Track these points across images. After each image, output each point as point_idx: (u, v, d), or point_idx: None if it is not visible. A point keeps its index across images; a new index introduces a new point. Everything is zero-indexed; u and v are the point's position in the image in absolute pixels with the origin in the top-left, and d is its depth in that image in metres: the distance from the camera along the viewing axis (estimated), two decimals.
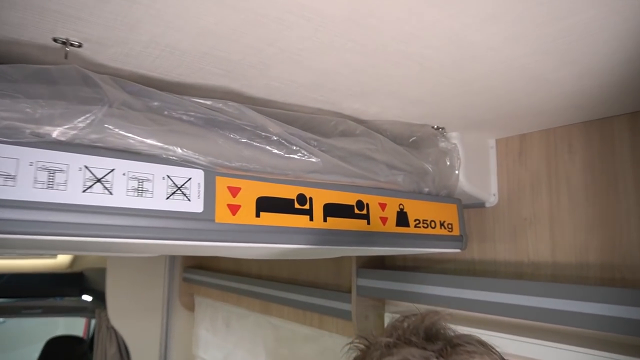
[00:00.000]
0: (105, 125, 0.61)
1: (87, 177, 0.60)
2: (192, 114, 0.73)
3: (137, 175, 0.64)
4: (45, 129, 0.58)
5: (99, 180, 0.61)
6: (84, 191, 0.59)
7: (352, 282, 1.44)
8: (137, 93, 0.71)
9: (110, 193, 0.61)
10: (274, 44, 0.67)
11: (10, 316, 3.01)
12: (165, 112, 0.72)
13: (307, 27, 0.62)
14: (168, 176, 0.67)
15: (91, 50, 0.69)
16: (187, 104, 0.73)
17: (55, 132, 0.59)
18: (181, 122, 0.71)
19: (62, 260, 2.95)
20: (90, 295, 2.78)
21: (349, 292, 1.48)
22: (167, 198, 0.66)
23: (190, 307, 2.63)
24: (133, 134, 0.64)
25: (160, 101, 0.72)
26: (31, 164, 0.56)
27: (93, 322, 4.82)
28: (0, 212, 0.53)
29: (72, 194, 0.58)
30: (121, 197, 0.62)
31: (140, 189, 0.64)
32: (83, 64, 0.70)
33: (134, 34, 0.64)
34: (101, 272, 2.67)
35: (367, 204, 0.90)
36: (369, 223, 0.90)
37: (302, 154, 0.78)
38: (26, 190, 0.55)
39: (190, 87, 0.82)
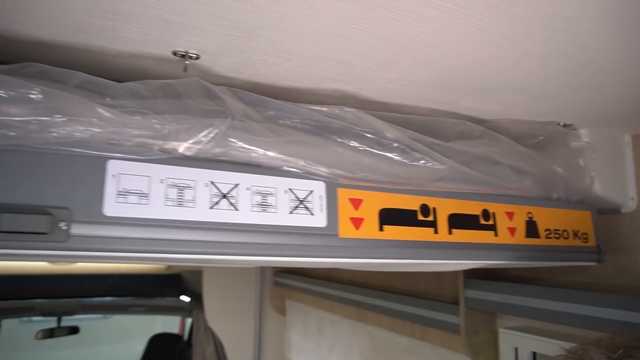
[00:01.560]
0: (229, 139, 0.59)
1: (213, 192, 0.58)
2: (308, 121, 0.69)
3: (260, 189, 0.61)
4: (173, 144, 0.57)
5: (224, 196, 0.59)
6: (211, 207, 0.57)
7: (459, 293, 1.34)
8: (252, 103, 0.68)
9: (236, 209, 0.59)
10: (399, 42, 0.61)
11: (118, 313, 3.25)
12: (281, 121, 0.69)
13: (441, 19, 0.55)
14: (290, 189, 0.63)
15: (208, 62, 0.68)
16: (302, 111, 0.69)
17: (182, 148, 0.57)
18: (298, 131, 0.67)
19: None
20: (187, 296, 2.91)
21: (453, 303, 1.38)
22: (291, 212, 0.62)
23: (282, 311, 2.65)
24: (255, 147, 0.61)
25: (275, 110, 0.69)
26: (162, 181, 0.55)
27: (188, 320, 5.09)
28: (138, 231, 0.53)
29: (201, 211, 0.57)
30: (246, 213, 0.59)
31: (264, 203, 0.61)
32: (200, 75, 0.69)
33: (252, 42, 0.62)
34: (197, 274, 2.78)
35: (494, 214, 0.81)
36: (496, 235, 0.81)
37: (426, 160, 0.72)
38: (159, 208, 0.54)
39: (302, 92, 0.78)
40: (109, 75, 0.61)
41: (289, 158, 0.63)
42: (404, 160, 0.70)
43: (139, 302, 3.07)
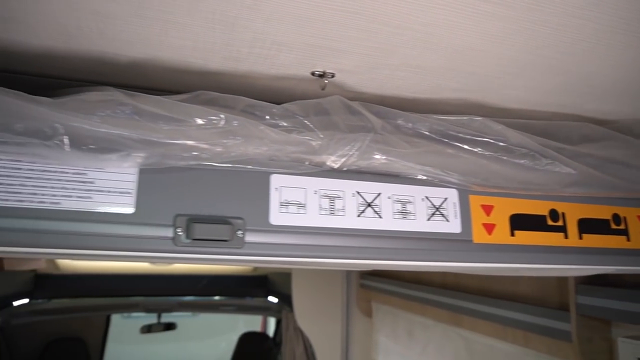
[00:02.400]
0: (372, 151, 0.63)
1: (359, 202, 0.63)
2: (437, 131, 0.72)
3: (400, 198, 0.65)
4: (323, 158, 0.62)
5: (369, 205, 0.63)
6: (358, 216, 0.62)
7: (569, 299, 1.29)
8: (382, 115, 0.72)
9: (380, 217, 0.63)
10: (537, 52, 0.62)
11: (210, 311, 3.45)
12: (411, 132, 0.72)
13: (585, 27, 0.55)
14: (427, 197, 0.66)
15: (341, 79, 0.73)
16: (431, 121, 0.72)
17: (331, 161, 0.63)
18: (430, 141, 0.70)
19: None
20: (275, 296, 3.03)
21: (560, 308, 1.33)
22: (428, 219, 0.65)
23: (368, 313, 2.68)
24: (395, 158, 0.65)
25: (405, 121, 0.72)
26: (315, 192, 0.61)
27: (271, 320, 5.27)
28: (298, 238, 0.58)
29: (350, 219, 0.61)
30: (389, 220, 0.63)
31: (404, 211, 0.64)
32: (334, 92, 0.74)
33: (389, 60, 0.66)
34: (284, 275, 2.89)
35: (625, 218, 0.79)
36: (628, 239, 0.78)
37: (556, 166, 0.72)
38: (315, 217, 0.60)
39: (424, 102, 0.81)
40: (252, 95, 0.68)
41: (425, 167, 0.66)
42: (535, 167, 0.71)
43: (230, 302, 3.23)
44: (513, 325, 1.53)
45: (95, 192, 0.53)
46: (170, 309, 3.20)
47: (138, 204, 0.54)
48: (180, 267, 3.16)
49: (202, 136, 0.53)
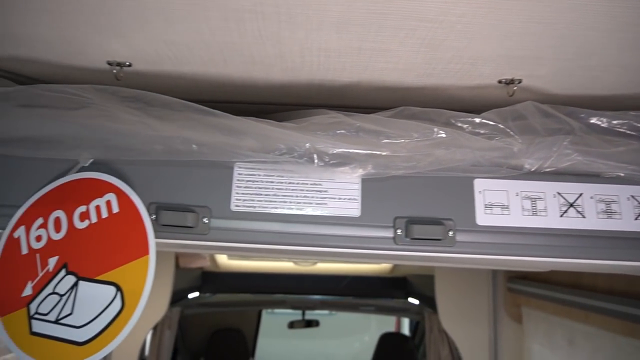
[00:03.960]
0: (571, 153, 0.65)
1: (561, 202, 0.65)
2: (636, 127, 0.70)
3: (603, 197, 0.65)
4: (521, 161, 0.66)
5: (571, 205, 0.65)
6: (561, 216, 0.64)
7: None
8: (575, 115, 0.72)
9: (583, 216, 0.64)
10: None
11: (350, 311, 3.59)
12: (607, 130, 0.71)
13: None
14: (632, 196, 0.65)
15: (529, 83, 0.74)
16: (629, 117, 0.71)
17: (528, 164, 0.66)
18: (629, 138, 0.69)
19: (385, 265, 3.35)
20: (415, 298, 3.05)
21: None
22: (636, 219, 0.64)
23: (517, 318, 2.56)
24: (595, 158, 0.65)
25: (600, 119, 0.71)
26: (517, 194, 0.64)
27: (405, 321, 5.28)
28: (503, 237, 0.62)
29: (552, 219, 0.64)
30: (593, 220, 0.64)
31: (609, 210, 0.64)
32: (522, 96, 0.76)
33: (586, 61, 0.66)
34: (424, 277, 2.89)
35: None
36: None
37: None
38: (518, 217, 0.63)
39: (615, 99, 0.79)
40: (436, 105, 0.74)
41: (629, 166, 0.65)
42: None
43: (369, 302, 3.34)
44: None
45: (329, 199, 0.63)
46: (313, 306, 3.41)
47: (362, 209, 0.63)
48: (324, 268, 3.35)
49: (417, 148, 0.61)
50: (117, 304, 0.55)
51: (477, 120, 0.65)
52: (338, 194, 0.63)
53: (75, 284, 0.57)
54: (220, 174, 0.63)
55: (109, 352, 0.54)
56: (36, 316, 0.57)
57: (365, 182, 0.64)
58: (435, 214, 0.63)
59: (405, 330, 5.30)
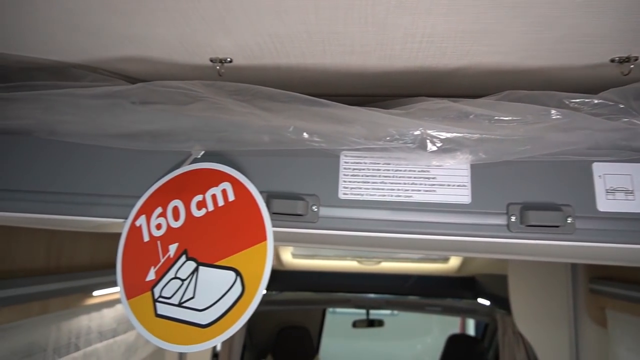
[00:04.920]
0: None
1: None
2: None
3: None
4: None
5: None
6: None
7: None
8: None
9: None
10: None
11: (416, 311, 3.53)
12: None
13: None
14: None
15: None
16: None
17: None
18: None
19: (452, 264, 3.26)
20: (485, 299, 2.94)
21: None
22: None
23: (601, 322, 2.40)
24: None
25: None
26: None
27: (470, 322, 5.12)
28: (628, 224, 0.58)
29: None
30: None
31: None
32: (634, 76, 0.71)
33: None
34: (495, 277, 2.78)
35: None
36: None
37: None
38: None
39: None
40: (544, 88, 0.70)
41: None
42: None
43: (436, 302, 3.26)
44: None
45: (437, 186, 0.62)
46: (377, 306, 3.38)
47: (473, 195, 0.61)
48: (388, 267, 3.32)
49: (531, 131, 0.58)
50: (237, 288, 0.56)
51: (596, 100, 0.61)
52: (447, 181, 0.62)
53: (196, 269, 0.59)
54: (327, 163, 0.64)
55: (231, 335, 0.56)
56: (160, 299, 0.60)
57: (475, 167, 0.62)
58: (553, 200, 0.60)
59: (471, 331, 5.14)
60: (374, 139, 0.60)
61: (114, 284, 2.02)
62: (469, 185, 0.62)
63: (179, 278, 0.60)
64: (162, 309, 0.59)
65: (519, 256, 0.83)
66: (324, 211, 0.62)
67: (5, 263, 1.49)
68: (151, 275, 0.61)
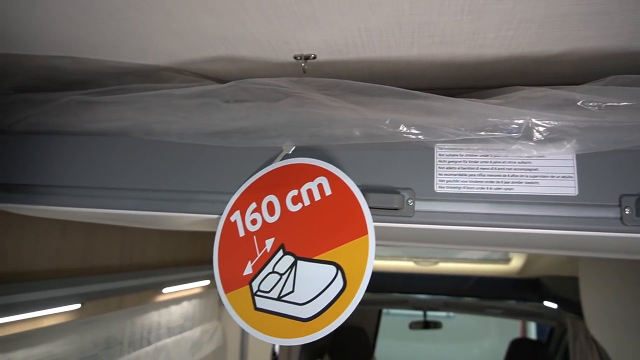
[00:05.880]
0: None
1: None
2: None
3: None
4: None
5: None
6: None
7: None
8: None
9: None
10: None
11: (475, 313, 3.42)
12: None
13: None
14: None
15: None
16: None
17: None
18: None
19: (514, 265, 3.13)
20: (552, 301, 2.81)
21: None
22: None
23: None
24: None
25: None
26: None
27: (532, 325, 4.90)
28: None
29: None
30: None
31: None
32: None
33: None
34: (562, 279, 2.65)
35: None
36: None
37: None
38: None
39: None
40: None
41: None
42: None
43: (497, 304, 3.15)
44: None
45: (540, 177, 0.59)
46: (435, 307, 3.31)
47: (580, 186, 0.58)
48: (446, 267, 3.24)
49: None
50: (338, 282, 0.56)
51: None
52: (550, 172, 0.59)
53: (294, 264, 0.60)
54: (421, 156, 0.62)
55: (335, 329, 0.56)
56: (259, 293, 0.61)
57: (581, 157, 0.59)
58: None
59: (532, 336, 4.92)
60: (473, 130, 0.58)
61: (180, 281, 2.10)
62: (574, 176, 0.58)
63: (277, 272, 0.60)
64: (261, 302, 0.60)
65: (631, 255, 0.78)
66: (420, 205, 0.61)
67: (87, 261, 1.58)
68: (248, 270, 0.62)
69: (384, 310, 4.18)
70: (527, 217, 0.59)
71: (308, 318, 0.57)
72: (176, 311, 2.20)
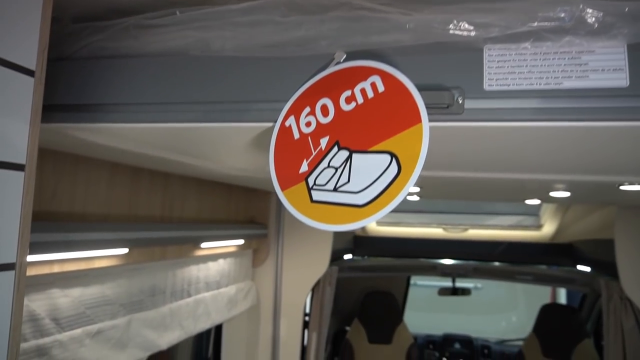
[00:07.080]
0: None
1: None
2: None
3: None
4: None
5: None
6: None
7: None
8: None
9: None
10: None
11: (505, 279, 3.42)
12: None
13: None
14: None
15: None
16: None
17: None
18: None
19: (546, 231, 3.11)
20: (585, 265, 2.78)
21: None
22: None
23: None
24: None
25: None
26: None
27: (562, 290, 4.85)
28: None
29: None
30: None
31: None
32: None
33: None
34: (597, 242, 2.62)
35: None
36: None
37: None
38: None
39: None
40: None
41: None
42: None
43: (528, 270, 3.14)
44: None
45: (590, 71, 0.60)
46: (465, 274, 3.32)
47: (631, 78, 0.59)
48: (475, 234, 3.24)
49: None
50: (393, 169, 0.59)
51: None
52: (600, 65, 0.60)
53: (349, 157, 0.63)
54: (470, 57, 0.64)
55: (388, 212, 0.59)
56: (315, 187, 0.65)
57: (632, 49, 0.59)
58: None
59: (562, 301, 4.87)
60: (525, 22, 0.60)
61: (217, 238, 2.17)
62: (625, 67, 0.59)
63: (332, 167, 0.64)
64: (317, 195, 0.64)
65: None
66: (470, 103, 0.63)
67: (132, 210, 1.66)
68: (304, 167, 0.66)
69: (412, 282, 4.23)
70: (577, 110, 0.60)
71: (364, 204, 0.60)
72: (213, 267, 2.28)
